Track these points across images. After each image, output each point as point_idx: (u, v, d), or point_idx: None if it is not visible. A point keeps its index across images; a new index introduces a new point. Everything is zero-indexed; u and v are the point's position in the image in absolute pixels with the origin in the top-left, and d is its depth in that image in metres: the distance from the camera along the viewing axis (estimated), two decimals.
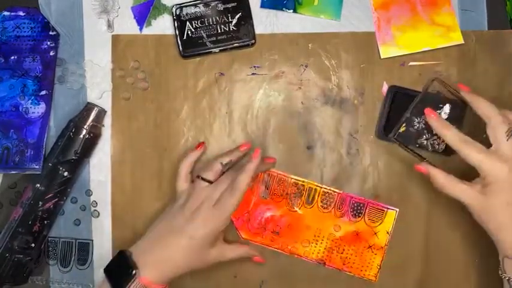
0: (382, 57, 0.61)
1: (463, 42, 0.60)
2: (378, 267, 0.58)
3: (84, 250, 0.61)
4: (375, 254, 0.58)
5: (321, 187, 0.59)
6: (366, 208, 0.58)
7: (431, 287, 0.60)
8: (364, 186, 0.60)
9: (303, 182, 0.59)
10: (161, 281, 0.51)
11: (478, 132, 0.51)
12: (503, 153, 0.49)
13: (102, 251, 0.61)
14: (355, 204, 0.58)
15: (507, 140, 0.49)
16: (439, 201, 0.60)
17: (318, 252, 0.58)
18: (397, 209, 0.58)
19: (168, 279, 0.52)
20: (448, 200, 0.52)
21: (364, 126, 0.61)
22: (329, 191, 0.59)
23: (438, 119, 0.52)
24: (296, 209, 0.59)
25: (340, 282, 0.60)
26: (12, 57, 0.61)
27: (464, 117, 0.58)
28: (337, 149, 0.61)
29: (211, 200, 0.53)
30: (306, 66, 0.61)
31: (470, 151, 0.49)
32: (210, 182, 0.55)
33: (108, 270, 0.52)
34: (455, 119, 0.59)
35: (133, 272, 0.50)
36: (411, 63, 0.61)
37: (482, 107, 0.51)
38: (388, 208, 0.58)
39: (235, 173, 0.54)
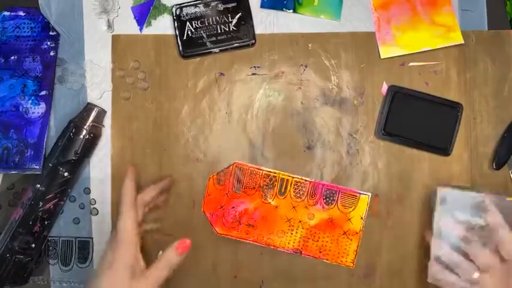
0: (382, 57, 0.61)
1: (463, 42, 0.60)
2: (355, 252, 0.58)
3: (84, 248, 0.62)
4: (350, 240, 0.58)
5: (293, 177, 0.59)
6: (338, 195, 0.58)
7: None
8: (363, 186, 0.60)
9: (275, 173, 0.59)
10: None
11: None
12: None
13: (102, 249, 0.61)
14: (328, 192, 0.59)
15: None
16: None
17: (294, 242, 0.58)
18: (370, 194, 0.59)
19: None
20: None
21: (364, 126, 0.61)
22: (301, 180, 0.59)
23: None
24: (269, 200, 0.59)
25: (340, 280, 0.60)
26: (12, 57, 0.61)
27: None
28: (337, 149, 0.61)
29: None
30: (306, 66, 0.61)
31: None
32: None
33: None
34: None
35: None
36: (411, 63, 0.61)
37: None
38: (360, 193, 0.58)
39: None
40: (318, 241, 0.58)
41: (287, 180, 0.59)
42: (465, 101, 0.60)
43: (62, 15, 0.62)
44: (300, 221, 0.58)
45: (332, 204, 0.59)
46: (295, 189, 0.59)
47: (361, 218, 0.58)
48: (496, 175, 0.60)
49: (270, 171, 0.59)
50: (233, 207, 0.59)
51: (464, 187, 0.59)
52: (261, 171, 0.59)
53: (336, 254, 0.59)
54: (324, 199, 0.59)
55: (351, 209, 0.58)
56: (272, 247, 0.59)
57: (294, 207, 0.59)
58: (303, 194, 0.59)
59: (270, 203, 0.59)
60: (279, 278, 0.61)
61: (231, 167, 0.60)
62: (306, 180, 0.59)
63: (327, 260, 0.59)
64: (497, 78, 0.61)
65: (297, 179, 0.59)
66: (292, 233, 0.59)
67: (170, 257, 0.51)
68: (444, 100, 0.60)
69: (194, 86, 0.62)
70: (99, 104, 0.61)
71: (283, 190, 0.59)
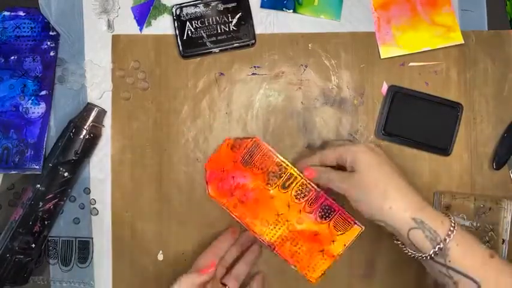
0: (382, 57, 0.61)
1: (463, 42, 0.60)
2: (322, 272, 0.56)
3: (84, 248, 0.62)
4: (324, 260, 0.56)
5: (302, 177, 0.56)
6: (336, 215, 0.56)
7: None
8: None
9: (287, 165, 0.56)
10: None
11: None
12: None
13: (102, 249, 0.62)
14: (327, 207, 0.56)
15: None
16: None
17: (272, 237, 0.56)
18: (363, 227, 0.55)
19: None
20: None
21: (364, 126, 0.61)
22: (308, 184, 0.56)
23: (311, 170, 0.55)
24: (270, 188, 0.57)
25: (340, 281, 0.60)
26: (12, 57, 0.61)
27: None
28: None
29: None
30: (306, 66, 0.61)
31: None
32: None
33: None
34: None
35: None
36: (411, 63, 0.61)
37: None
38: (356, 223, 0.55)
39: None
40: (295, 246, 0.57)
41: (295, 177, 0.57)
42: (465, 101, 0.60)
43: (62, 15, 0.62)
44: (287, 221, 0.57)
45: (325, 220, 0.56)
46: (299, 189, 0.57)
47: (344, 245, 0.56)
48: (496, 175, 0.60)
49: (284, 162, 0.56)
50: (233, 177, 0.57)
51: (466, 194, 0.59)
52: (275, 158, 0.57)
53: (305, 266, 0.57)
54: (320, 212, 0.56)
55: (340, 233, 0.56)
56: (251, 231, 0.57)
57: (288, 205, 0.57)
58: (303, 197, 0.57)
59: (269, 190, 0.57)
60: (279, 277, 0.61)
61: (250, 140, 0.57)
62: (312, 187, 0.56)
63: (295, 267, 0.56)
64: (497, 78, 0.61)
65: (304, 181, 0.56)
66: (274, 228, 0.57)
67: None
68: (444, 100, 0.60)
69: (194, 86, 0.62)
70: (99, 104, 0.61)
71: (287, 185, 0.56)
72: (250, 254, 0.59)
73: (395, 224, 0.47)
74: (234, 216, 0.57)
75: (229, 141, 0.59)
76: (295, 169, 0.56)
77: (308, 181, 0.56)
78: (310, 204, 0.56)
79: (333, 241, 0.56)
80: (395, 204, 0.47)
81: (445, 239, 0.45)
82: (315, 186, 0.56)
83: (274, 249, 0.57)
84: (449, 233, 0.45)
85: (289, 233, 0.56)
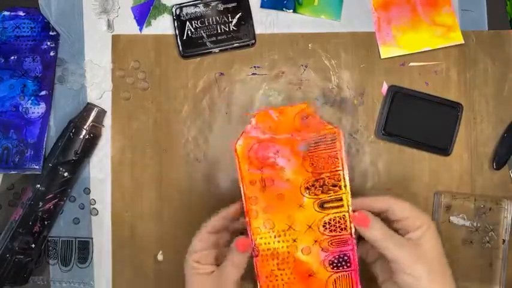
0: (382, 57, 0.61)
1: (463, 42, 0.60)
2: None
3: (84, 248, 0.62)
4: None
5: (348, 211, 0.44)
6: (346, 271, 0.45)
7: None
8: (363, 187, 0.60)
9: (345, 186, 0.44)
10: None
11: None
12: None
13: (102, 249, 0.62)
14: (345, 258, 0.45)
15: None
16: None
17: (265, 244, 0.44)
18: None
19: None
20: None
21: (364, 126, 0.61)
22: (348, 223, 0.44)
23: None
24: (305, 195, 0.45)
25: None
26: (12, 57, 0.61)
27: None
28: None
29: None
30: (306, 66, 0.61)
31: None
32: None
33: None
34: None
35: None
36: (411, 64, 0.61)
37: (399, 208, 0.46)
38: None
39: None
40: (279, 270, 0.45)
41: (341, 205, 0.44)
42: (465, 101, 0.60)
43: (62, 15, 0.62)
44: (294, 241, 0.45)
45: (332, 269, 0.45)
46: (334, 220, 0.44)
47: None
48: (496, 175, 0.60)
49: (344, 180, 0.44)
50: (277, 152, 0.44)
51: (466, 194, 0.59)
52: (340, 169, 0.44)
53: None
54: (334, 258, 0.45)
55: None
56: (247, 220, 0.45)
57: (309, 227, 0.45)
58: (331, 231, 0.45)
59: (303, 195, 0.45)
60: None
61: (331, 127, 0.45)
62: (350, 229, 0.44)
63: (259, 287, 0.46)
64: (497, 78, 0.61)
65: (347, 217, 0.44)
66: (274, 237, 0.45)
67: (234, 258, 0.46)
68: (444, 100, 0.60)
69: (194, 86, 0.62)
70: (99, 104, 0.61)
71: (326, 206, 0.45)
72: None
73: None
74: (242, 192, 0.45)
75: (308, 108, 0.45)
76: (350, 198, 0.44)
77: (351, 219, 0.44)
78: (331, 243, 0.45)
79: None
80: None
81: None
82: (353, 230, 0.45)
83: (256, 256, 0.45)
84: None
85: (285, 253, 0.45)
